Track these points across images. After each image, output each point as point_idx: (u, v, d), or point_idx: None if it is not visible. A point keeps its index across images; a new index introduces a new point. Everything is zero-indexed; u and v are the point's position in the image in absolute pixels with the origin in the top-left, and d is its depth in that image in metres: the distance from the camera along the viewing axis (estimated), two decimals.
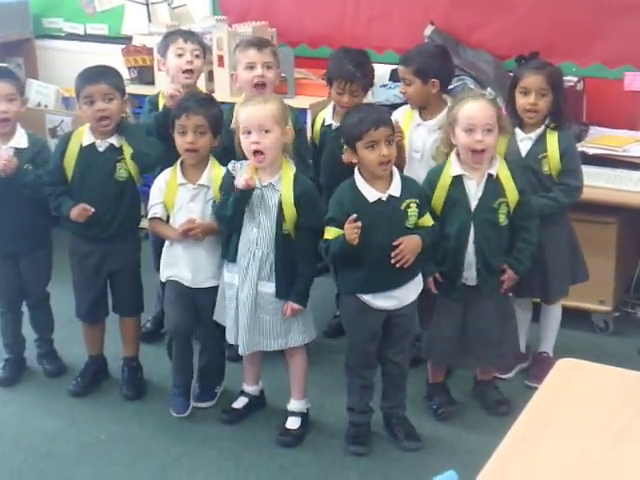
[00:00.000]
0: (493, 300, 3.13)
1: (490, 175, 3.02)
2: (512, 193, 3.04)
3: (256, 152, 2.89)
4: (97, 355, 3.57)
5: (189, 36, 3.65)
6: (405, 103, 3.89)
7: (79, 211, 3.24)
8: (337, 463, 3.04)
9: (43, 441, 3.20)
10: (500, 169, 3.04)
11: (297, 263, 3.00)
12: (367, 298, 2.95)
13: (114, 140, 3.28)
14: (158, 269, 3.38)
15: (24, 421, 3.34)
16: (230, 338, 3.11)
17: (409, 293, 2.99)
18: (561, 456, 1.79)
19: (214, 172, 3.17)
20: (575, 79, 3.97)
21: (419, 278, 3.02)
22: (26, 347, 3.68)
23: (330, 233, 2.90)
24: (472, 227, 3.02)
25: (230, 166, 3.00)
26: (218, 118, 3.21)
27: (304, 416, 3.20)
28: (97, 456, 3.11)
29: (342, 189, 2.94)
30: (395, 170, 2.93)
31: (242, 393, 3.31)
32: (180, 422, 3.28)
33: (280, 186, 2.95)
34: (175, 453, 3.11)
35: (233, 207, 2.93)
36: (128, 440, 3.19)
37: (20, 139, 3.42)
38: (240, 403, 3.29)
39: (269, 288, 3.01)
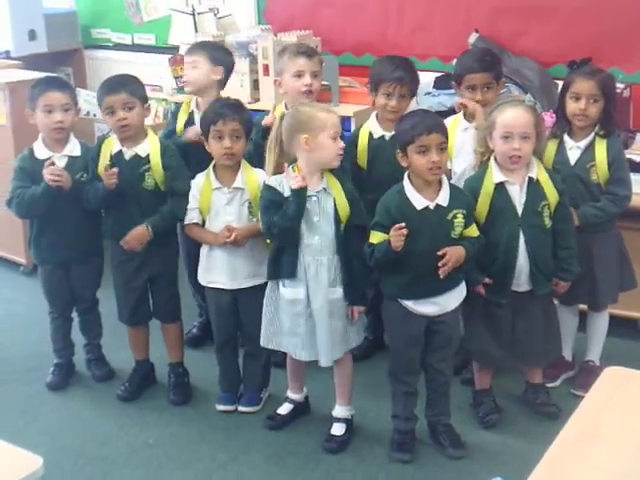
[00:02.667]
0: (539, 302, 3.14)
1: (530, 179, 3.03)
2: (552, 195, 3.05)
3: (342, 155, 2.98)
4: (143, 360, 3.62)
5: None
6: (448, 111, 3.91)
7: (107, 178, 3.28)
8: (382, 469, 3.04)
9: (93, 445, 3.26)
10: (539, 172, 3.04)
11: (352, 264, 3.01)
12: (409, 303, 2.97)
13: (139, 149, 3.34)
14: (191, 281, 3.39)
15: (74, 425, 3.39)
16: (303, 355, 3.09)
17: (451, 300, 3.00)
18: (609, 464, 1.78)
19: (247, 175, 3.23)
20: (622, 86, 3.94)
21: (462, 286, 3.02)
22: (75, 352, 3.74)
23: (375, 237, 2.92)
24: (521, 233, 3.03)
25: (272, 182, 3.00)
26: (250, 123, 3.27)
27: (349, 422, 3.21)
28: (145, 460, 3.16)
29: (390, 194, 2.96)
30: (445, 179, 2.94)
31: (287, 399, 3.34)
32: (226, 427, 3.31)
33: (331, 190, 2.98)
34: (221, 458, 3.14)
35: (295, 212, 2.91)
36: (175, 445, 3.24)
37: (73, 148, 3.49)
38: (285, 409, 3.32)
39: (337, 294, 3.02)
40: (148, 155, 3.33)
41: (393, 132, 3.38)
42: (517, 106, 3.00)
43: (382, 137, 3.49)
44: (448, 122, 3.47)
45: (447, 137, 2.90)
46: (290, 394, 3.34)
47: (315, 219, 2.97)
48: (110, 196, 3.34)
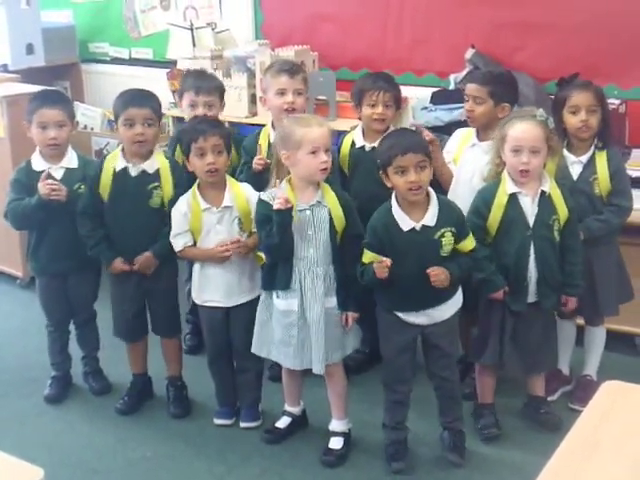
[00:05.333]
0: (541, 312, 3.17)
1: (543, 192, 3.06)
2: (562, 211, 3.08)
3: (324, 169, 2.95)
4: (141, 374, 3.62)
5: (201, 87, 3.64)
6: (445, 127, 3.94)
7: (116, 269, 3.35)
8: None
9: (90, 457, 3.26)
10: (552, 187, 3.08)
11: (347, 271, 3.02)
12: (400, 314, 3.00)
13: (147, 166, 3.32)
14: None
15: (71, 438, 3.39)
16: (296, 364, 3.10)
17: (444, 311, 3.01)
18: (609, 477, 1.79)
19: (234, 191, 3.22)
20: (617, 102, 3.97)
21: (457, 296, 3.03)
22: (72, 365, 3.74)
23: (367, 257, 2.94)
24: (532, 244, 3.05)
25: (265, 197, 3.00)
26: (229, 137, 3.26)
27: (346, 436, 3.21)
28: (143, 473, 3.16)
29: (378, 215, 2.97)
30: (433, 196, 2.93)
31: (284, 413, 3.34)
32: (224, 441, 3.31)
33: (326, 201, 3.00)
34: (219, 471, 3.13)
35: (278, 231, 2.92)
36: (173, 458, 3.23)
37: (71, 159, 3.50)
38: (283, 423, 3.32)
39: (332, 303, 3.04)
40: (156, 172, 3.32)
41: (373, 144, 3.46)
42: (527, 120, 3.02)
43: (362, 147, 3.55)
44: (460, 134, 3.52)
45: (428, 154, 2.89)
46: (287, 407, 3.34)
47: (309, 232, 2.99)
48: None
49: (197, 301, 3.35)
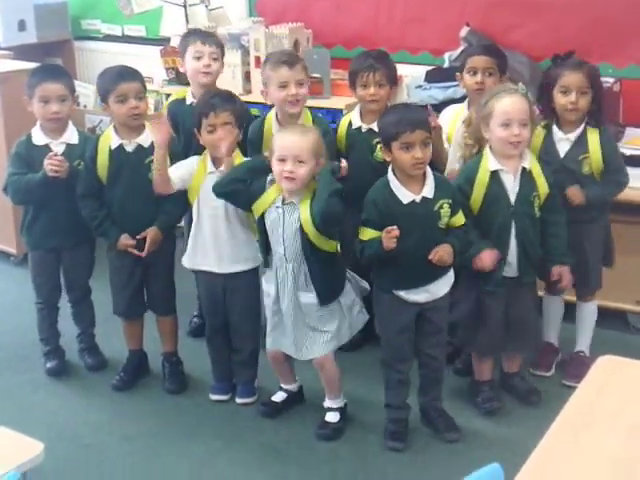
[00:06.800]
0: (528, 290, 3.21)
1: (524, 169, 3.08)
2: (543, 187, 3.10)
3: (288, 178, 2.91)
4: (137, 350, 3.63)
5: (207, 38, 3.69)
6: (439, 105, 3.94)
7: (123, 245, 3.35)
8: (376, 457, 3.07)
9: (86, 433, 3.27)
10: (532, 163, 3.09)
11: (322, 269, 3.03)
12: (401, 293, 3.01)
13: (141, 140, 3.33)
14: None
15: (68, 413, 3.41)
16: (268, 342, 3.18)
17: (441, 287, 3.04)
18: (604, 452, 1.80)
19: (239, 162, 3.22)
20: (612, 80, 3.97)
21: (451, 272, 3.06)
22: (66, 342, 3.75)
23: (365, 234, 2.95)
24: (513, 221, 3.07)
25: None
26: (242, 113, 3.27)
27: (342, 410, 3.23)
28: (139, 449, 3.17)
29: (376, 189, 2.98)
30: (429, 170, 2.95)
31: (280, 389, 3.37)
32: (220, 416, 3.33)
33: (300, 204, 2.96)
34: (215, 447, 3.15)
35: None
36: (169, 433, 3.25)
37: (71, 135, 3.50)
38: (279, 397, 3.35)
39: (310, 298, 3.04)
40: (151, 145, 3.31)
41: (370, 125, 3.48)
42: (513, 94, 3.04)
43: (359, 128, 3.56)
44: (452, 110, 3.54)
45: (430, 132, 2.92)
46: (283, 385, 3.36)
47: (279, 230, 3.00)
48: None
49: (188, 266, 3.37)
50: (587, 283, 3.42)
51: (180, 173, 3.26)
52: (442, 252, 2.91)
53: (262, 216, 3.04)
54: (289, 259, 3.01)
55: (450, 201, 2.95)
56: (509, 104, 3.00)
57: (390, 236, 2.85)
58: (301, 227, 2.96)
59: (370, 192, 2.99)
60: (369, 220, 2.95)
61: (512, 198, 3.07)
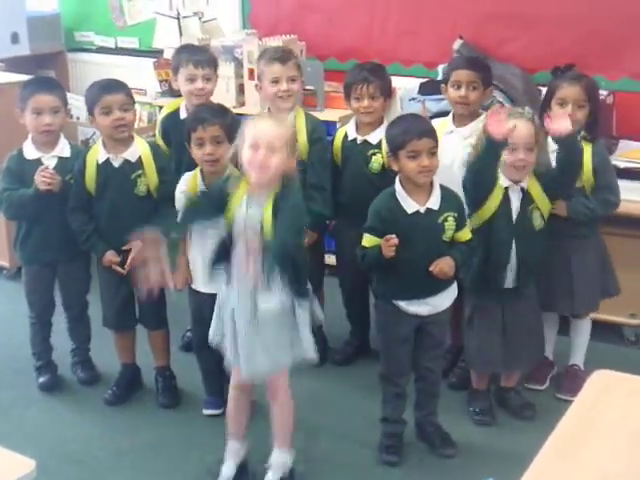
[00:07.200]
0: (526, 304, 3.20)
1: (522, 188, 3.11)
2: (542, 201, 3.11)
3: (259, 167, 2.70)
4: (130, 364, 3.61)
5: (199, 60, 3.63)
6: (433, 117, 3.94)
7: (108, 261, 3.34)
8: (371, 471, 3.06)
9: (79, 448, 3.25)
10: (530, 183, 3.11)
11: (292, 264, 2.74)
12: (401, 304, 2.99)
13: (128, 155, 3.32)
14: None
15: (60, 429, 3.38)
16: (229, 360, 2.90)
17: (443, 300, 3.03)
18: (600, 467, 1.80)
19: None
20: (605, 93, 3.98)
21: (454, 286, 3.05)
22: (59, 356, 3.72)
23: (367, 241, 2.94)
24: (514, 238, 3.09)
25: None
26: (233, 126, 3.17)
27: (290, 473, 2.95)
28: (132, 464, 3.15)
29: (382, 198, 2.98)
30: (436, 182, 2.96)
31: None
32: (213, 430, 3.30)
33: (265, 204, 2.73)
34: (209, 461, 3.12)
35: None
36: (162, 448, 3.23)
37: (63, 148, 3.48)
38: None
39: (270, 302, 2.76)
40: (139, 159, 3.31)
41: (365, 137, 3.52)
42: (519, 118, 3.04)
43: (354, 140, 3.58)
44: (435, 124, 3.52)
45: (437, 141, 2.93)
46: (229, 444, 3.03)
47: (241, 225, 2.75)
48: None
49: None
50: (572, 303, 3.36)
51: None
52: (443, 264, 2.90)
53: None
54: (250, 254, 2.70)
55: (456, 214, 2.94)
56: (515, 130, 2.98)
57: (389, 244, 2.84)
58: (261, 226, 2.72)
59: (375, 201, 3.00)
60: (372, 227, 2.95)
61: (514, 215, 3.10)
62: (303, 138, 3.51)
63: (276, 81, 3.50)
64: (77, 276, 3.60)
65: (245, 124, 2.79)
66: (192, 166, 3.32)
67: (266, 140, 2.69)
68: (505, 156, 3.02)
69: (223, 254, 2.83)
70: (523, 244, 3.10)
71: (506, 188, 3.09)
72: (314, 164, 3.53)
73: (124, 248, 3.31)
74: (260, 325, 2.78)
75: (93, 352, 3.76)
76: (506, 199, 3.09)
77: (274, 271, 2.71)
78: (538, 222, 3.11)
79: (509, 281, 3.15)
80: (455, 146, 3.38)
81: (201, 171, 3.25)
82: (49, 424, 3.42)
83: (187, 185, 3.24)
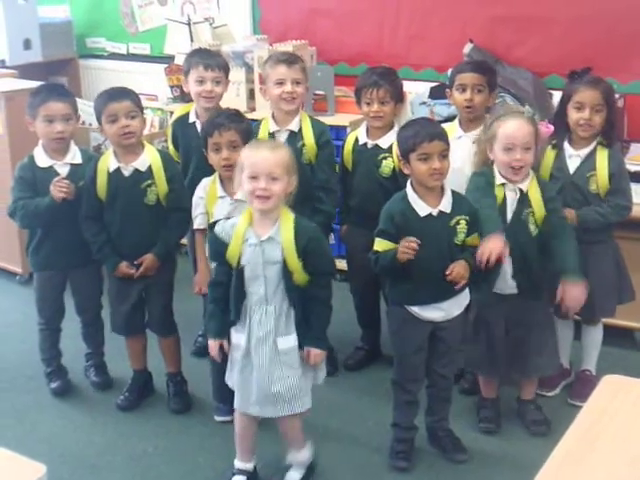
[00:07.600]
0: (534, 311, 3.17)
1: (521, 190, 3.07)
2: (539, 208, 3.06)
3: (261, 196, 2.70)
4: (141, 370, 3.62)
5: (210, 63, 3.66)
6: (443, 121, 3.94)
7: (121, 273, 3.36)
8: (382, 476, 3.05)
9: (91, 453, 3.26)
10: (530, 185, 3.07)
11: (311, 308, 2.80)
12: (415, 309, 2.98)
13: (138, 164, 3.32)
14: None
15: (72, 434, 3.39)
16: (237, 403, 2.93)
17: (456, 306, 3.01)
18: (609, 474, 1.79)
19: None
20: (617, 96, 3.96)
21: (466, 292, 3.04)
22: (71, 359, 3.75)
23: (380, 245, 2.93)
24: (507, 238, 3.03)
25: (219, 230, 2.81)
26: (248, 132, 3.26)
27: (309, 470, 3.03)
28: (144, 469, 3.16)
29: (394, 201, 2.98)
30: (447, 185, 2.95)
31: (236, 474, 3.05)
32: (225, 436, 3.31)
33: (280, 238, 2.74)
34: (221, 467, 3.13)
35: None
36: (175, 453, 3.24)
37: (75, 155, 3.50)
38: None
39: (287, 344, 2.79)
40: (149, 168, 3.32)
41: (376, 142, 3.52)
42: (518, 117, 3.03)
43: (365, 144, 3.58)
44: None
45: (448, 144, 2.92)
46: (239, 463, 3.04)
47: (260, 268, 2.76)
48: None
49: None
50: (591, 309, 3.30)
51: (200, 213, 3.26)
52: (459, 267, 2.89)
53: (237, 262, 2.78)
54: (270, 300, 2.77)
55: (467, 218, 2.94)
56: (512, 128, 2.99)
57: (409, 247, 2.83)
58: (284, 264, 2.74)
59: (388, 204, 2.99)
60: (384, 231, 2.94)
61: (508, 216, 3.07)
62: (310, 141, 3.54)
63: (281, 83, 3.51)
64: (90, 279, 3.61)
65: (243, 153, 2.80)
66: (199, 169, 3.33)
67: (266, 171, 2.70)
68: (501, 156, 3.01)
69: (235, 301, 2.81)
70: (517, 247, 3.03)
71: (502, 185, 3.06)
72: (322, 166, 3.55)
73: (136, 262, 3.35)
74: (282, 364, 2.80)
75: (106, 357, 3.77)
76: (503, 199, 3.06)
77: (297, 312, 2.78)
78: (532, 228, 3.07)
79: (511, 286, 3.12)
80: (465, 149, 3.37)
81: (220, 176, 3.26)
82: (62, 429, 3.43)
83: (206, 191, 3.25)
